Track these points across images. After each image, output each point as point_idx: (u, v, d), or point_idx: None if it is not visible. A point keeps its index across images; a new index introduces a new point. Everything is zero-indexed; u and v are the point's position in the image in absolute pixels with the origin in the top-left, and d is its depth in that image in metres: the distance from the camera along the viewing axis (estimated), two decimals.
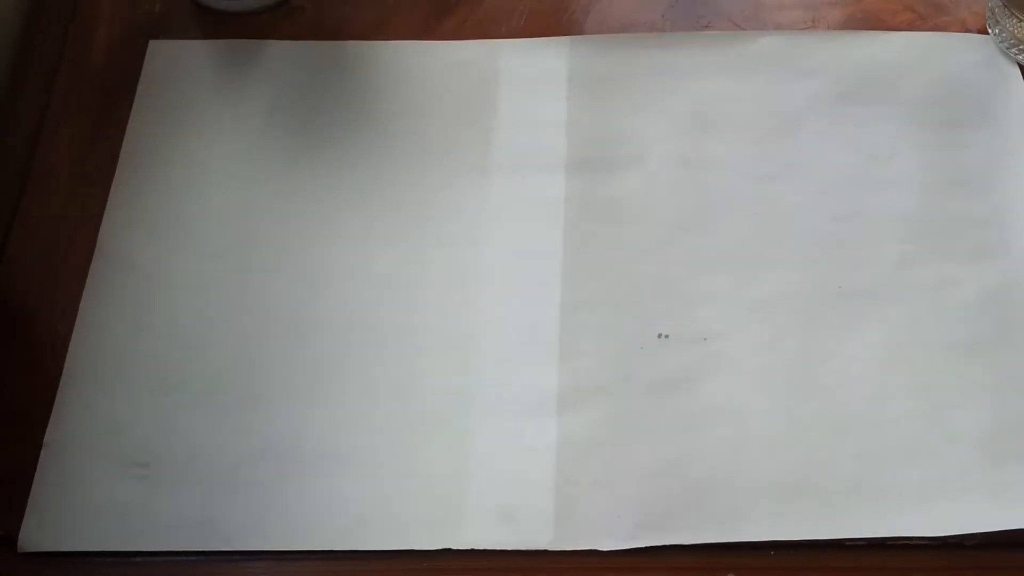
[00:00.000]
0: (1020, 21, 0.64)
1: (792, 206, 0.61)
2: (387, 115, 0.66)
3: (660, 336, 0.57)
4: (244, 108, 0.66)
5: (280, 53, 0.68)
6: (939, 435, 0.53)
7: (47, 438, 0.55)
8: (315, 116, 0.66)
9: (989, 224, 0.59)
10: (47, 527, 0.53)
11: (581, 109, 0.65)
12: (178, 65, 0.68)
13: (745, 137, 0.64)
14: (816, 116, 0.64)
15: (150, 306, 0.59)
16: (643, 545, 0.51)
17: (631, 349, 0.56)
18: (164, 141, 0.65)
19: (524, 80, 0.67)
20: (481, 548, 0.52)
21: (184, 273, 0.60)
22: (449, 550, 0.52)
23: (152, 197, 0.63)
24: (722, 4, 0.69)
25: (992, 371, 0.55)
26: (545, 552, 0.51)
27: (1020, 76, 0.65)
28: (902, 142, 0.63)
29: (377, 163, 0.63)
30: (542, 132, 0.64)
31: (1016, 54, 0.65)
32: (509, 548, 0.52)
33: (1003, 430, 0.53)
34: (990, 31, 0.66)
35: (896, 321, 0.56)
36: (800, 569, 0.51)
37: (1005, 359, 0.55)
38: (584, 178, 0.62)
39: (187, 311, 0.59)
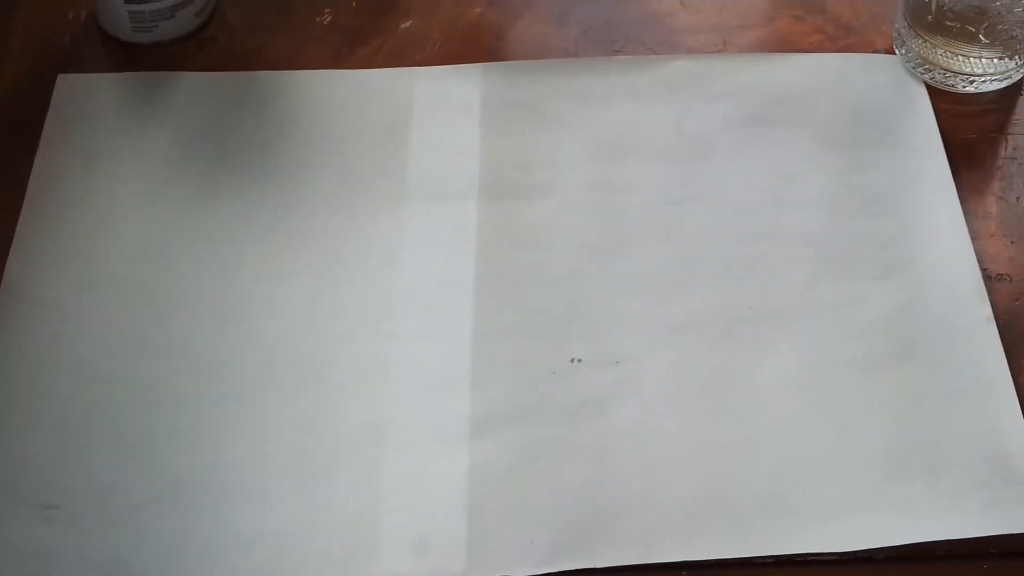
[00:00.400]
0: (925, 41, 0.65)
1: (704, 229, 0.61)
2: (301, 146, 0.65)
3: (573, 360, 0.57)
4: (156, 141, 0.65)
5: (192, 85, 0.68)
6: (846, 452, 0.53)
7: None
8: (228, 148, 0.65)
9: (895, 243, 0.60)
10: None
11: (494, 135, 0.65)
12: (88, 99, 0.67)
13: (658, 161, 0.64)
14: (728, 139, 0.65)
15: (59, 343, 0.58)
16: (556, 570, 0.51)
17: (544, 374, 0.56)
18: (73, 176, 0.64)
19: (438, 108, 0.67)
20: None
21: (94, 309, 0.59)
22: None
23: (61, 233, 0.62)
24: (634, 29, 0.70)
25: (895, 387, 0.55)
26: None
27: (926, 96, 0.66)
28: (812, 163, 0.63)
29: (292, 194, 0.63)
30: (456, 159, 0.64)
31: (922, 74, 0.66)
32: None
33: (905, 447, 0.53)
34: (897, 52, 0.67)
35: (804, 341, 0.57)
36: None
37: (907, 376, 0.55)
38: (497, 205, 0.62)
39: (97, 348, 0.58)
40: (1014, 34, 0.63)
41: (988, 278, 0.58)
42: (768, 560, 0.50)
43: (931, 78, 0.66)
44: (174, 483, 0.54)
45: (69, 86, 0.68)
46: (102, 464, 0.54)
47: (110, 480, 0.54)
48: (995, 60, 0.64)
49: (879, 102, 0.66)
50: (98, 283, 0.60)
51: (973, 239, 0.59)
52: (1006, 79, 0.66)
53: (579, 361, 0.56)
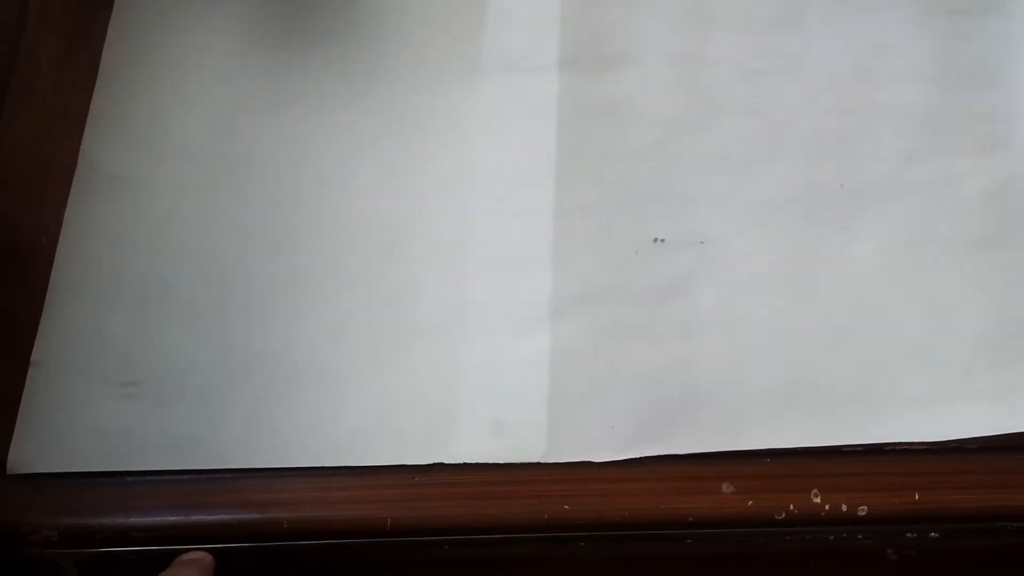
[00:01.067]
0: None
1: (792, 101, 0.59)
2: (371, 15, 0.63)
3: (656, 240, 0.55)
4: (226, 14, 0.64)
5: None
6: (941, 337, 0.51)
7: (34, 357, 0.54)
8: (298, 21, 0.63)
9: (995, 118, 0.57)
10: (36, 449, 0.52)
11: (574, 4, 0.63)
12: None
13: (744, 30, 0.61)
14: (817, 5, 0.62)
15: (136, 219, 0.58)
16: (637, 456, 0.50)
17: (626, 254, 0.55)
18: (145, 51, 0.63)
19: None
20: (473, 462, 0.51)
21: (169, 184, 0.58)
22: (441, 464, 0.51)
23: (135, 108, 0.61)
24: None
25: (996, 268, 0.53)
26: (538, 464, 0.50)
27: None
28: (910, 31, 0.60)
29: (362, 66, 0.61)
30: (534, 29, 0.62)
31: None
32: (501, 461, 0.51)
33: (1005, 329, 0.51)
34: None
35: (899, 219, 0.55)
36: (797, 476, 0.49)
37: (1009, 256, 0.53)
38: (578, 77, 0.60)
39: (173, 223, 0.57)
40: None
41: None
42: (857, 448, 0.49)
43: None
44: (250, 360, 0.54)
45: None
46: (179, 341, 0.54)
47: (187, 357, 0.54)
48: None
49: None
50: (173, 156, 0.59)
51: None
52: None
53: (662, 241, 0.55)
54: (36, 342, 0.55)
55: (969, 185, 0.55)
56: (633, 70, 0.60)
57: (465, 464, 0.51)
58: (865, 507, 0.49)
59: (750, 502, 0.49)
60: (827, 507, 0.49)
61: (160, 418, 0.53)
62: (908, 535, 0.50)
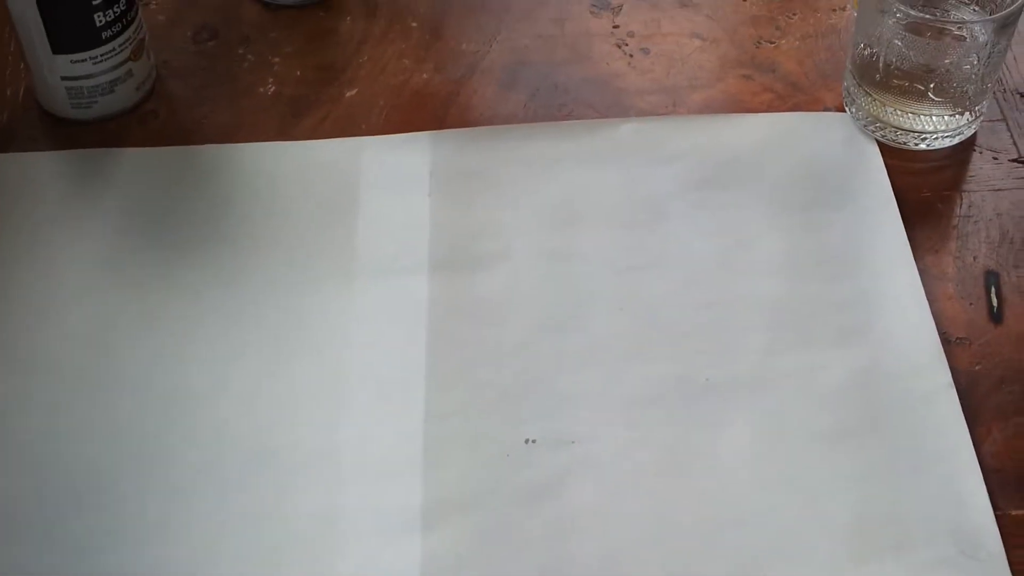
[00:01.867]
0: (875, 99, 0.65)
1: (658, 297, 0.60)
2: (246, 220, 0.64)
3: (527, 441, 0.55)
4: (97, 220, 0.64)
5: (133, 161, 0.66)
6: (808, 529, 0.52)
7: None
8: (171, 225, 0.64)
9: (851, 307, 0.59)
10: None
11: (444, 206, 0.64)
12: (26, 178, 0.66)
13: (610, 227, 0.63)
14: (680, 203, 0.64)
15: (4, 439, 0.56)
16: None
17: (497, 457, 0.55)
18: (12, 259, 0.62)
19: (386, 178, 0.66)
20: None
21: (34, 398, 0.57)
22: None
23: (2, 326, 0.60)
24: (582, 93, 0.69)
25: (857, 458, 0.54)
26: None
27: (878, 154, 0.65)
28: (764, 226, 0.63)
29: (237, 273, 0.62)
30: (405, 232, 0.63)
31: (873, 132, 0.66)
32: None
33: (870, 520, 0.52)
34: (847, 110, 0.67)
35: (764, 411, 0.56)
36: None
37: (870, 445, 0.54)
38: (447, 278, 0.61)
39: (36, 438, 0.56)
40: (964, 90, 0.63)
41: (947, 342, 0.57)
42: None
43: (882, 136, 0.65)
44: None
45: (7, 166, 0.66)
46: (41, 566, 0.52)
47: None
48: (946, 117, 0.64)
49: (831, 161, 0.65)
50: (38, 370, 0.58)
51: (930, 301, 0.59)
52: (958, 135, 0.65)
53: (533, 442, 0.55)
54: None
55: (829, 375, 0.57)
56: (500, 269, 0.61)
57: None
58: None
59: None
60: None
61: None
62: None
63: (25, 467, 0.55)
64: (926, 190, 0.64)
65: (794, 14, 0.73)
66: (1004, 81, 0.69)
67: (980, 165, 0.65)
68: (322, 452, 0.55)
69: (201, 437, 0.56)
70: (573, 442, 0.55)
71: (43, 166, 0.66)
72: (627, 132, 0.67)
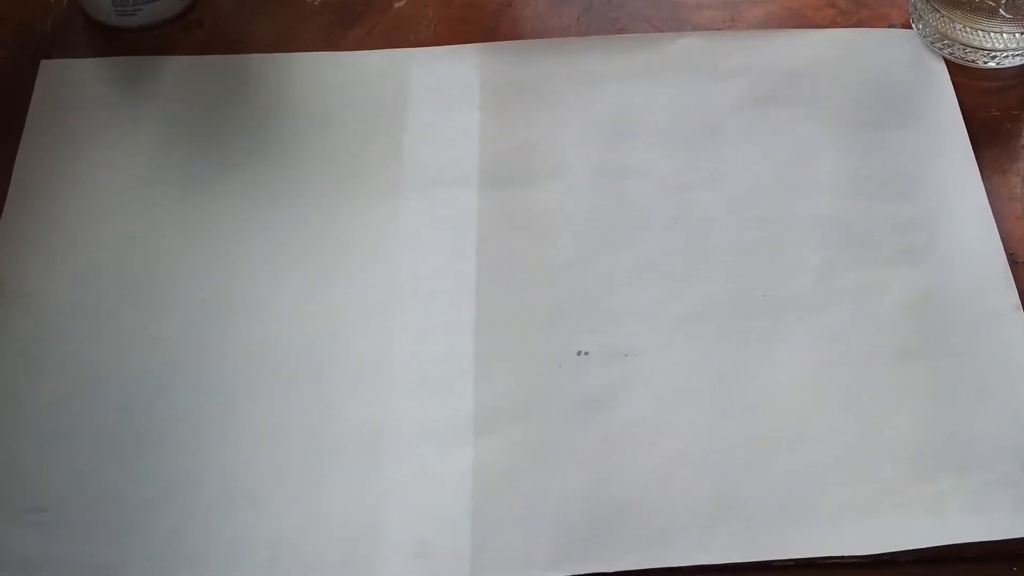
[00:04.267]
0: (943, 16, 0.62)
1: (714, 214, 0.59)
2: (292, 131, 0.63)
3: (579, 353, 0.54)
4: (142, 129, 0.63)
5: (178, 70, 0.65)
6: (868, 449, 0.51)
7: None
8: (216, 135, 0.63)
9: (915, 227, 0.57)
10: None
11: (494, 119, 0.63)
12: (72, 85, 0.65)
13: (664, 144, 0.61)
14: (737, 120, 0.62)
15: (46, 339, 0.56)
16: (563, 575, 0.48)
17: (549, 368, 0.54)
18: (59, 166, 0.61)
19: (434, 91, 0.64)
20: None
21: (80, 305, 0.57)
22: None
23: (47, 225, 0.59)
24: (637, 6, 0.67)
25: (920, 379, 0.52)
26: None
27: (946, 72, 0.63)
28: (825, 144, 0.61)
29: (282, 183, 0.61)
30: (454, 145, 0.62)
31: (940, 49, 0.63)
32: None
33: (933, 441, 0.50)
34: (914, 26, 0.65)
35: (822, 331, 0.54)
36: None
37: (933, 366, 0.53)
38: (498, 192, 0.60)
39: (83, 345, 0.55)
40: None
41: (1014, 263, 0.56)
42: (788, 563, 0.48)
43: (950, 53, 0.63)
44: (164, 487, 0.51)
45: (53, 72, 0.65)
46: (90, 466, 0.52)
47: (99, 483, 0.51)
48: (1017, 35, 0.61)
49: (896, 79, 0.63)
50: (85, 277, 0.57)
51: (998, 222, 0.57)
52: None
53: (586, 354, 0.54)
54: None
55: (890, 296, 0.55)
56: (551, 184, 0.60)
57: None
58: None
59: None
60: None
61: (69, 547, 0.50)
62: None
63: (72, 373, 0.54)
64: (994, 109, 0.62)
65: None
66: None
67: None
68: (371, 364, 0.54)
69: (250, 348, 0.55)
70: (626, 355, 0.54)
71: (87, 73, 0.65)
72: (683, 47, 0.65)
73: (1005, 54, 0.62)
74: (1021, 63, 0.63)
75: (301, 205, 0.60)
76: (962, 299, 0.55)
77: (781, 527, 0.49)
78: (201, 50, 0.66)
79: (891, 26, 0.65)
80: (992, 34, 0.62)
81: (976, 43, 0.62)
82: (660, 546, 0.49)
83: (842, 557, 0.48)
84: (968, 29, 0.62)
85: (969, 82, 0.62)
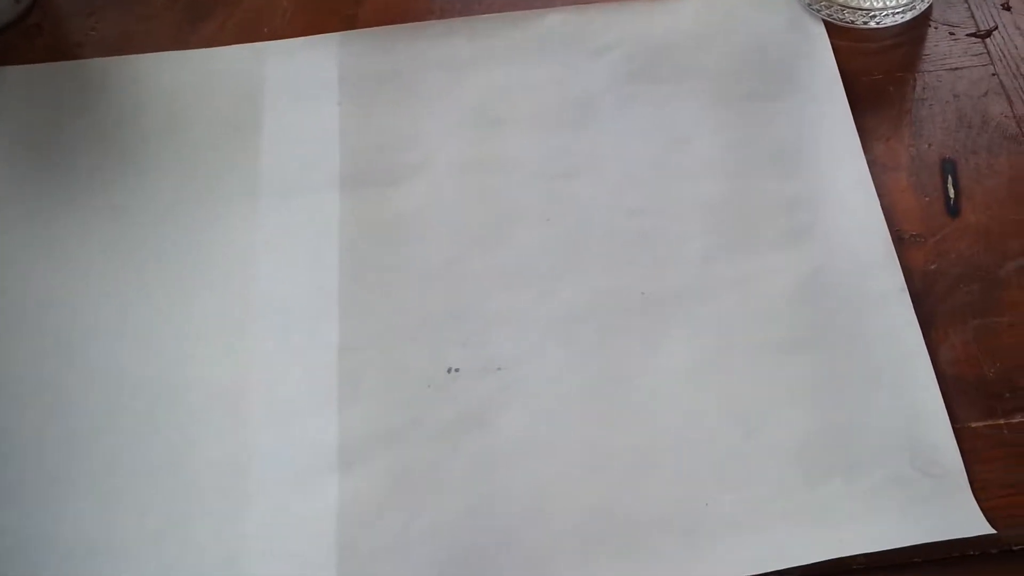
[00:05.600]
0: None
1: (589, 204, 0.55)
2: (140, 139, 0.59)
3: (450, 371, 0.51)
4: None
5: (15, 80, 0.61)
6: (754, 451, 0.48)
7: None
8: (60, 148, 0.59)
9: (798, 206, 0.54)
10: None
11: (355, 115, 0.59)
12: None
13: (536, 130, 0.58)
14: (612, 99, 0.59)
15: None
16: None
17: (418, 388, 0.50)
18: None
19: (291, 86, 0.60)
20: None
21: None
22: None
23: None
24: None
25: (806, 371, 0.50)
26: None
27: (824, 34, 0.60)
28: (704, 121, 0.58)
29: (130, 196, 0.57)
30: (313, 145, 0.58)
31: (819, 10, 0.60)
32: None
33: (820, 438, 0.48)
34: None
35: (705, 324, 0.51)
36: None
37: (819, 357, 0.50)
38: (360, 194, 0.56)
39: None
40: None
41: (899, 240, 0.53)
42: None
43: (828, 15, 0.60)
44: (15, 545, 0.48)
45: None
46: None
47: None
48: None
49: (773, 45, 0.60)
50: None
51: (881, 195, 0.54)
52: (910, 10, 0.60)
53: (456, 371, 0.51)
54: None
55: (773, 282, 0.52)
56: (418, 182, 0.56)
57: None
58: None
59: None
60: None
61: None
62: None
63: None
64: (877, 72, 0.59)
65: None
66: None
67: (935, 42, 0.60)
68: (229, 392, 0.51)
69: (100, 379, 0.52)
70: (499, 368, 0.51)
71: None
72: (552, 23, 0.61)
73: (886, 12, 0.59)
74: (903, 21, 0.60)
75: (152, 219, 0.56)
76: (846, 282, 0.52)
77: (664, 544, 0.46)
78: (41, 56, 0.62)
79: None
80: None
81: (854, 3, 0.59)
82: (543, 569, 0.46)
83: None
84: None
85: (850, 44, 0.59)
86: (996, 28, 0.60)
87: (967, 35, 0.60)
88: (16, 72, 0.61)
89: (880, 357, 0.50)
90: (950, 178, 0.55)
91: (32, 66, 0.62)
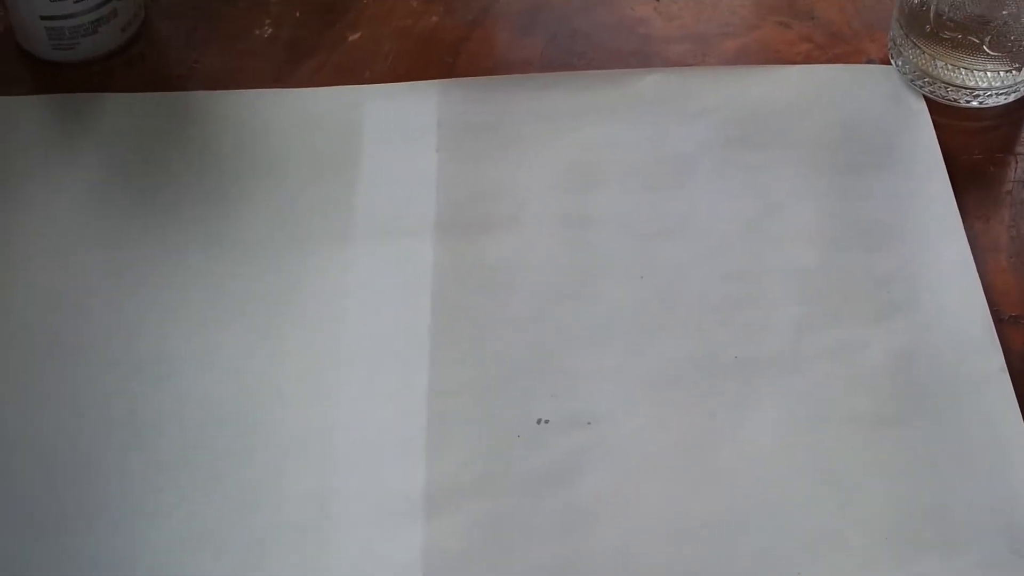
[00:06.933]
0: (924, 52, 0.59)
1: (682, 265, 0.55)
2: (236, 174, 0.59)
3: (540, 421, 0.51)
4: (76, 172, 0.59)
5: (117, 107, 0.62)
6: (846, 523, 0.47)
7: None
8: (155, 179, 0.59)
9: (894, 281, 0.54)
10: None
11: (452, 162, 0.59)
12: (4, 123, 0.61)
13: (630, 188, 0.58)
14: (707, 162, 0.59)
15: None
16: None
17: (507, 438, 0.50)
18: None
19: (390, 130, 0.61)
20: None
21: (6, 369, 0.53)
22: None
23: None
24: (604, 38, 0.64)
25: (900, 447, 0.49)
26: None
27: (926, 110, 0.60)
28: (800, 189, 0.58)
29: (224, 230, 0.57)
30: (409, 190, 0.58)
31: (921, 87, 0.60)
32: None
33: (914, 516, 0.47)
34: (893, 62, 0.62)
35: (797, 393, 0.51)
36: None
37: (914, 433, 0.49)
38: (455, 241, 0.56)
39: (5, 409, 0.52)
40: (1022, 44, 0.57)
41: (999, 320, 0.52)
42: None
43: (931, 92, 0.60)
44: (90, 567, 0.48)
45: None
46: (8, 550, 0.48)
47: (19, 570, 0.48)
48: (1001, 73, 0.58)
49: (873, 118, 0.60)
50: (6, 333, 0.54)
51: (981, 275, 0.54)
52: (1014, 92, 0.60)
53: (546, 422, 0.51)
54: None
55: (869, 355, 0.52)
56: (512, 233, 0.56)
57: None
58: None
59: None
60: None
61: None
62: None
63: None
64: (977, 152, 0.59)
65: None
66: None
67: None
68: (315, 430, 0.51)
69: (186, 411, 0.52)
70: (589, 423, 0.51)
71: (21, 110, 0.62)
72: (651, 84, 0.62)
73: (988, 93, 0.59)
74: (1005, 102, 0.60)
75: (243, 254, 0.56)
76: (944, 360, 0.51)
77: None
78: (143, 86, 0.63)
79: (869, 62, 0.62)
80: (975, 72, 0.59)
81: (959, 81, 0.59)
82: None
83: None
84: (950, 66, 0.59)
85: (951, 122, 0.59)
86: None
87: None
88: (118, 100, 0.62)
89: (978, 437, 0.49)
90: None
91: (134, 95, 0.62)
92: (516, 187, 0.58)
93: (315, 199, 0.58)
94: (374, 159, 0.60)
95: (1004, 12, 0.56)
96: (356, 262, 0.56)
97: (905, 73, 0.61)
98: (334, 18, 0.65)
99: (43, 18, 0.61)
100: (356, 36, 0.65)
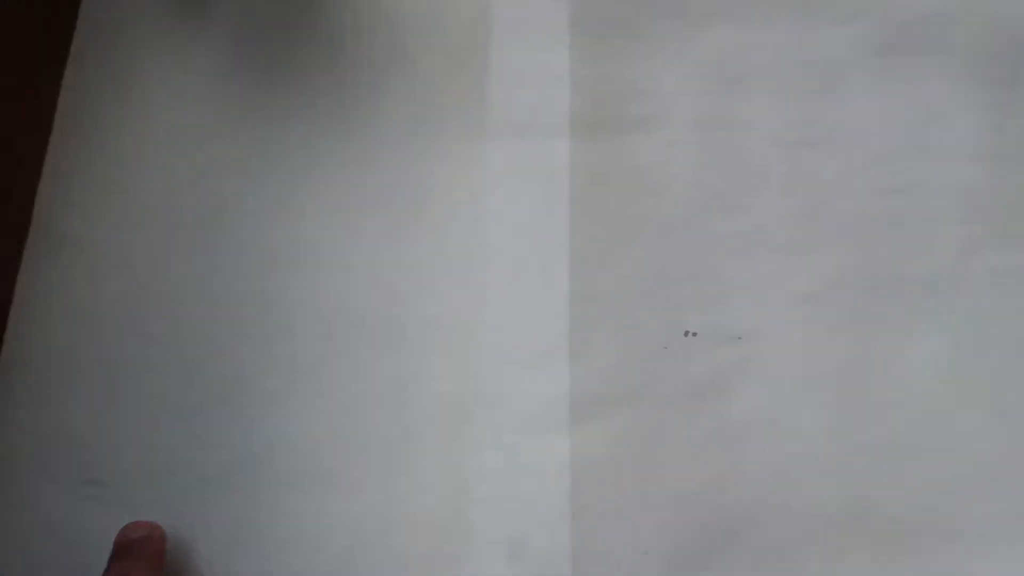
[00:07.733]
0: None
1: (835, 177, 0.53)
2: (365, 65, 0.57)
3: (687, 334, 0.49)
4: (199, 57, 0.57)
5: None
6: (1014, 460, 0.46)
7: None
8: (281, 66, 0.57)
9: None
10: None
11: (586, 59, 0.57)
12: (121, 7, 0.59)
13: (777, 94, 0.55)
14: (858, 70, 0.56)
15: (98, 292, 0.51)
16: None
17: (654, 348, 0.49)
18: (107, 98, 0.56)
19: (520, 25, 0.58)
20: None
21: (136, 252, 0.52)
22: None
23: (96, 162, 0.54)
24: None
25: None
26: None
27: None
28: (961, 101, 0.55)
29: (355, 122, 0.55)
30: (542, 87, 0.56)
31: None
32: None
33: None
34: None
35: (962, 318, 0.49)
36: None
37: None
38: (592, 142, 0.54)
39: (142, 297, 0.51)
40: None
41: None
42: None
43: None
44: (229, 461, 0.47)
45: None
46: (149, 436, 0.47)
47: (159, 455, 0.47)
48: None
49: None
50: (138, 221, 0.52)
51: None
52: None
53: (694, 335, 0.49)
54: None
55: None
56: (653, 135, 0.54)
57: None
58: None
59: None
60: None
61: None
62: None
63: (125, 330, 0.50)
64: None
65: None
66: None
67: None
68: (454, 331, 0.49)
69: (323, 305, 0.50)
70: (739, 338, 0.49)
71: None
72: None
73: None
74: None
75: (376, 149, 0.54)
76: None
77: (919, 549, 0.44)
78: None
79: None
80: None
81: None
82: (780, 562, 0.44)
83: None
84: None
85: None
86: None
87: None
88: None
89: None
90: None
91: None
92: (654, 87, 0.56)
93: (447, 93, 0.56)
94: (504, 54, 0.57)
95: None
96: (490, 159, 0.54)
97: None
98: None
99: None
100: None
